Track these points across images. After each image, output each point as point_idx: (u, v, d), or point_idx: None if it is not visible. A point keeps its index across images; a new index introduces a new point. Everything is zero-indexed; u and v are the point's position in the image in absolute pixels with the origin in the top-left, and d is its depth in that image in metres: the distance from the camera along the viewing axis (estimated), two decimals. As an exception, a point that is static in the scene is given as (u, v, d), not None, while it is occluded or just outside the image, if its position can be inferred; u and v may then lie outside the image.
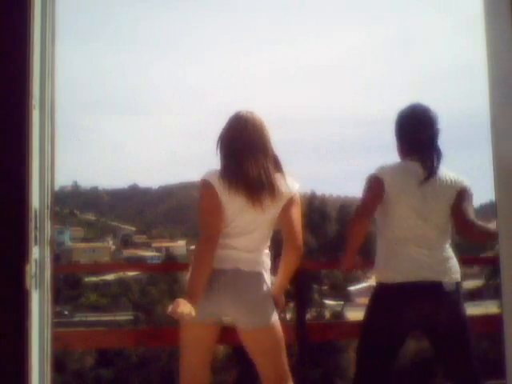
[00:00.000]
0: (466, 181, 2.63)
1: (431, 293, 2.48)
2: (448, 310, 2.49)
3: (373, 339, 2.55)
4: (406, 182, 2.54)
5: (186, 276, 2.32)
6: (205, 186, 2.34)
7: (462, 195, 2.59)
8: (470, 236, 2.63)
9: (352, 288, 31.03)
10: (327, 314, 24.62)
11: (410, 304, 2.47)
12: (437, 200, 2.56)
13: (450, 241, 2.61)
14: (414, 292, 2.47)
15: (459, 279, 2.55)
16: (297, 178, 2.43)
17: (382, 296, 2.55)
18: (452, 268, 2.54)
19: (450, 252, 2.58)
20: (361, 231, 2.54)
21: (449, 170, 2.63)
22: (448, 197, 2.57)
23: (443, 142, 2.63)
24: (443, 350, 2.53)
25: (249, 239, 2.35)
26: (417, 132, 2.58)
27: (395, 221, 2.53)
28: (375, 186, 2.54)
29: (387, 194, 2.52)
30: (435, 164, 2.56)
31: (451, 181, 2.60)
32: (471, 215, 2.58)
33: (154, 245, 57.70)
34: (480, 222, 2.55)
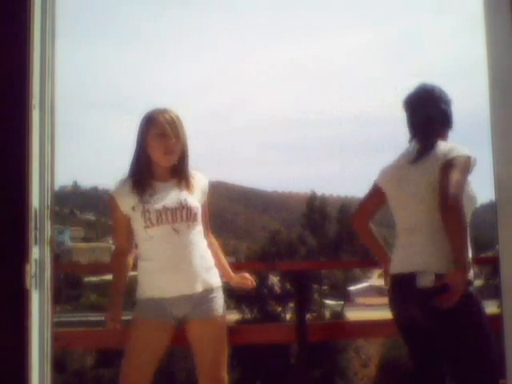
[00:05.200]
0: (455, 151, 2.29)
1: (403, 286, 2.36)
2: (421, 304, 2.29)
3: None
4: (391, 172, 2.51)
5: None
6: None
7: (444, 170, 2.24)
8: (444, 216, 2.18)
9: (352, 288, 31.02)
10: (327, 314, 24.62)
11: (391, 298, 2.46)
12: (410, 184, 2.36)
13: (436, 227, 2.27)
14: (394, 285, 2.44)
15: (439, 270, 2.23)
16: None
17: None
18: (428, 257, 2.28)
19: (431, 240, 2.29)
20: (358, 229, 2.66)
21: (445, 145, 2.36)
22: (425, 177, 2.31)
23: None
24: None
25: None
26: (410, 115, 2.50)
27: (393, 213, 2.51)
28: (372, 187, 2.60)
29: (383, 190, 2.54)
30: (419, 147, 2.40)
31: (433, 157, 2.32)
32: (449, 188, 2.17)
33: (153, 245, 57.54)
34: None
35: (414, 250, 2.34)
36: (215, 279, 2.42)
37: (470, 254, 2.31)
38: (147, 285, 2.38)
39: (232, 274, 2.60)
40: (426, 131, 2.42)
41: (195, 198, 2.39)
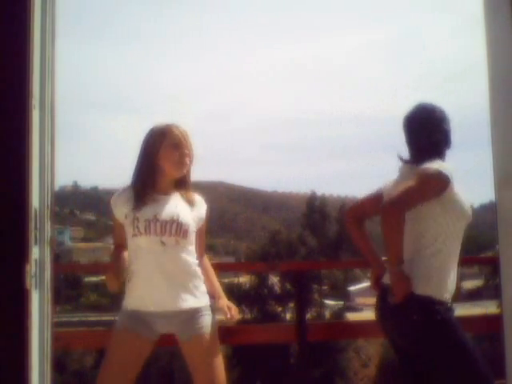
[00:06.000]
0: (427, 165, 2.28)
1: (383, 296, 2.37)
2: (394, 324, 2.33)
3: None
4: (391, 183, 2.50)
5: None
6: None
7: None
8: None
9: (352, 288, 31.05)
10: (327, 314, 24.64)
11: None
12: None
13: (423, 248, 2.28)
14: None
15: (419, 291, 2.22)
16: None
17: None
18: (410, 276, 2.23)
19: (414, 261, 2.26)
20: (350, 224, 2.61)
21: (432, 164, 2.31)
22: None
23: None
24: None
25: None
26: (411, 136, 2.47)
27: None
28: (375, 190, 2.59)
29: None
30: (404, 163, 2.43)
31: (408, 174, 2.33)
32: (392, 194, 2.24)
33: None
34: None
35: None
36: (203, 299, 2.36)
37: (451, 280, 2.29)
38: (132, 296, 2.35)
39: (221, 299, 2.46)
40: (429, 154, 2.38)
41: (189, 216, 2.36)
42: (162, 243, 2.27)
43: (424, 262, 2.25)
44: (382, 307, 2.38)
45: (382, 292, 2.38)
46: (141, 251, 2.30)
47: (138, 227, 2.27)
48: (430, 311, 2.22)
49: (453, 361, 2.20)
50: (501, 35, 1.57)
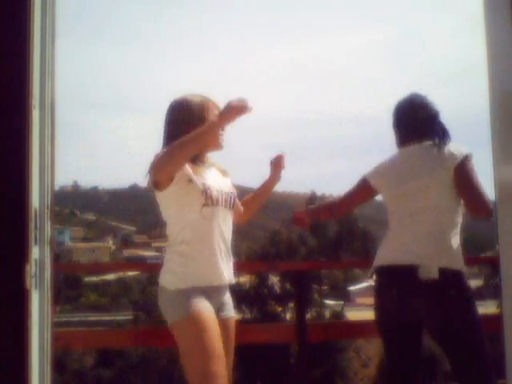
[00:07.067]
0: (463, 148, 2.39)
1: (404, 278, 2.35)
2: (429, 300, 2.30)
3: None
4: (391, 167, 2.54)
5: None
6: None
7: (464, 170, 2.35)
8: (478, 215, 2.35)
9: (352, 288, 31.03)
10: (327, 314, 24.61)
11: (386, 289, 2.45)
12: (421, 178, 2.40)
13: (453, 224, 2.37)
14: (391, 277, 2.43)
15: (443, 264, 2.28)
16: None
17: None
18: (442, 252, 2.32)
19: (445, 236, 2.34)
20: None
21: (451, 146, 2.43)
22: (438, 171, 2.37)
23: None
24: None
25: None
26: (408, 117, 2.53)
27: (390, 211, 2.52)
28: (361, 182, 2.65)
29: (377, 190, 2.59)
30: (436, 141, 2.45)
31: (445, 153, 2.39)
32: (476, 189, 2.33)
33: (154, 245, 57.72)
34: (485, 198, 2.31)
35: (417, 240, 2.35)
36: None
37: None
38: (191, 272, 2.15)
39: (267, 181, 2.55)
40: (432, 129, 2.46)
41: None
42: (226, 214, 2.24)
43: (454, 237, 2.35)
44: (410, 285, 2.33)
45: (404, 272, 2.34)
46: (205, 221, 2.16)
47: (211, 197, 2.16)
48: (466, 286, 2.33)
49: (475, 336, 2.30)
50: (501, 35, 1.57)
